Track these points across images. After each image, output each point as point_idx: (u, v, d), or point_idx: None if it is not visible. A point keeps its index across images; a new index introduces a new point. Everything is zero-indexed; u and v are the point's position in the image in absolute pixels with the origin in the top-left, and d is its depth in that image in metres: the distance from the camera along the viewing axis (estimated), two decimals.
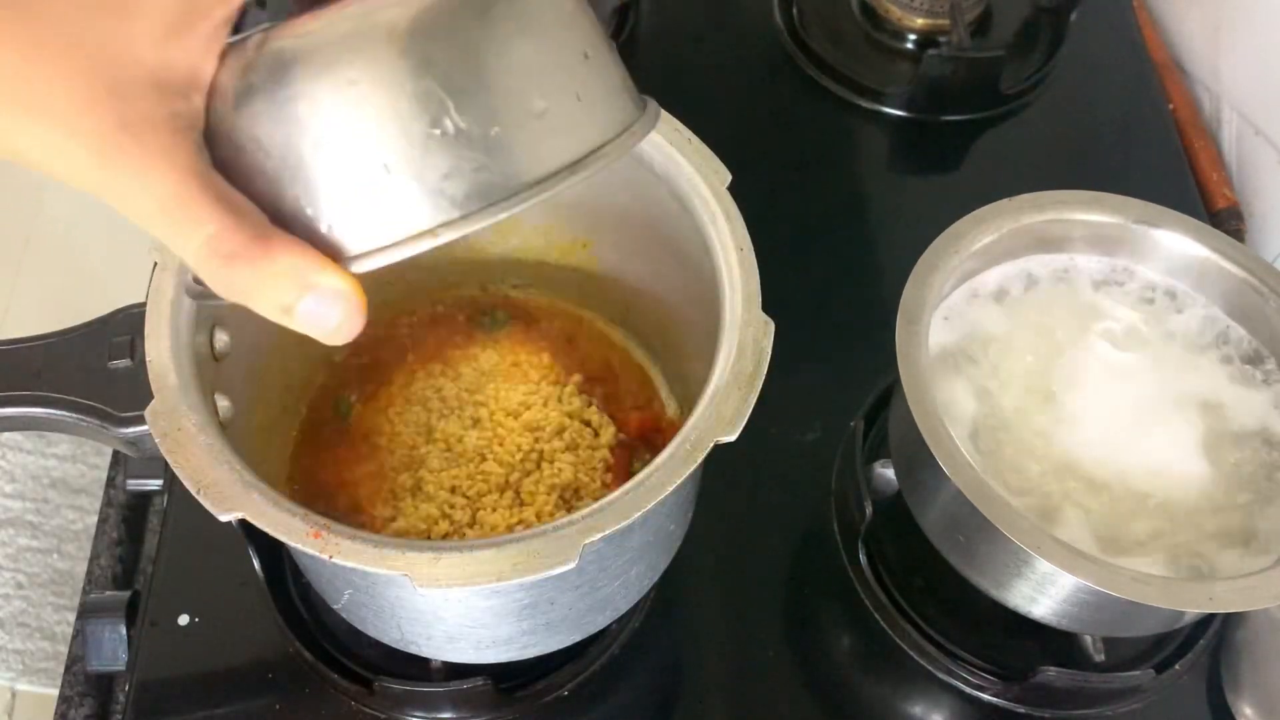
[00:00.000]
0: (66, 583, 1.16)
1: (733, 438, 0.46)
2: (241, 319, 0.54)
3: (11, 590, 1.24)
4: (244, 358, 0.54)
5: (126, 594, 0.63)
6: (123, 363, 0.50)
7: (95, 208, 0.37)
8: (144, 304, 0.49)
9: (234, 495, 0.44)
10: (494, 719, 0.61)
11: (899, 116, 0.88)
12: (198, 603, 0.63)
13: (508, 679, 0.60)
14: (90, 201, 0.37)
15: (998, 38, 0.93)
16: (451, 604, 0.50)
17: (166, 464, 0.45)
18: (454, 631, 0.52)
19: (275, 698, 0.61)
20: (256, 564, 0.61)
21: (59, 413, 0.49)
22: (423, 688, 0.58)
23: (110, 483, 0.75)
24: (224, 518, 0.44)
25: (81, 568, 0.74)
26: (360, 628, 0.56)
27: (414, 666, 0.59)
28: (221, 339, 0.52)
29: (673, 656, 0.64)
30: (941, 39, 0.91)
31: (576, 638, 0.56)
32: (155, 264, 0.50)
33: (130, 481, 0.66)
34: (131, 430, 0.49)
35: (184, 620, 0.63)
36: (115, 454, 0.79)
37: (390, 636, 0.54)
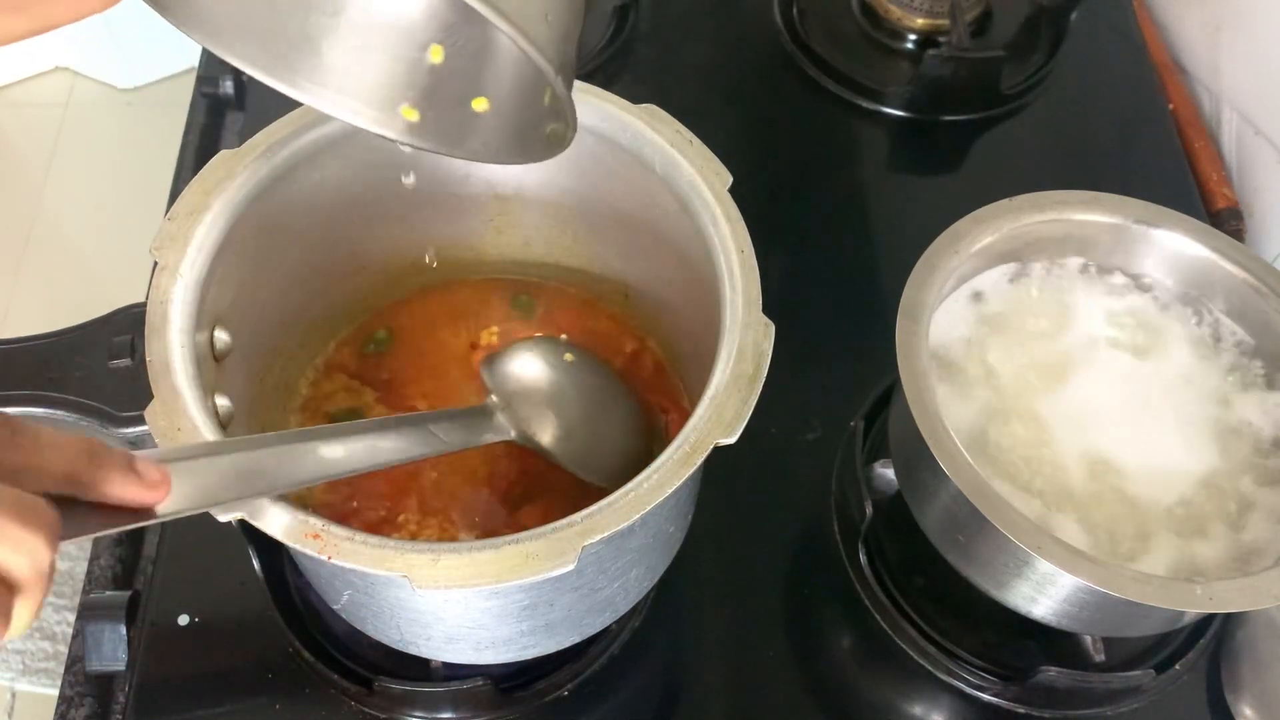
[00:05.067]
0: (66, 583, 1.16)
1: (732, 440, 0.46)
2: (242, 319, 0.54)
3: None
4: (244, 358, 0.54)
5: (126, 594, 0.63)
6: (123, 362, 0.50)
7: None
8: (144, 304, 0.49)
9: None
10: (494, 719, 0.61)
11: (899, 116, 0.88)
12: (198, 603, 0.63)
13: (507, 679, 0.60)
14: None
15: (998, 38, 0.93)
16: (451, 605, 0.50)
17: None
18: (453, 632, 0.52)
19: (275, 698, 0.61)
20: (256, 564, 0.61)
21: (59, 412, 0.49)
22: (422, 688, 0.58)
23: None
24: (223, 518, 0.44)
25: (81, 568, 0.74)
26: (360, 628, 0.56)
27: (414, 666, 0.59)
28: (222, 339, 0.52)
29: (673, 656, 0.64)
30: (941, 39, 0.91)
31: (576, 639, 0.56)
32: (155, 264, 0.50)
33: None
34: (131, 430, 0.49)
35: (184, 620, 0.63)
36: None
37: (390, 637, 0.54)
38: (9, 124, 1.68)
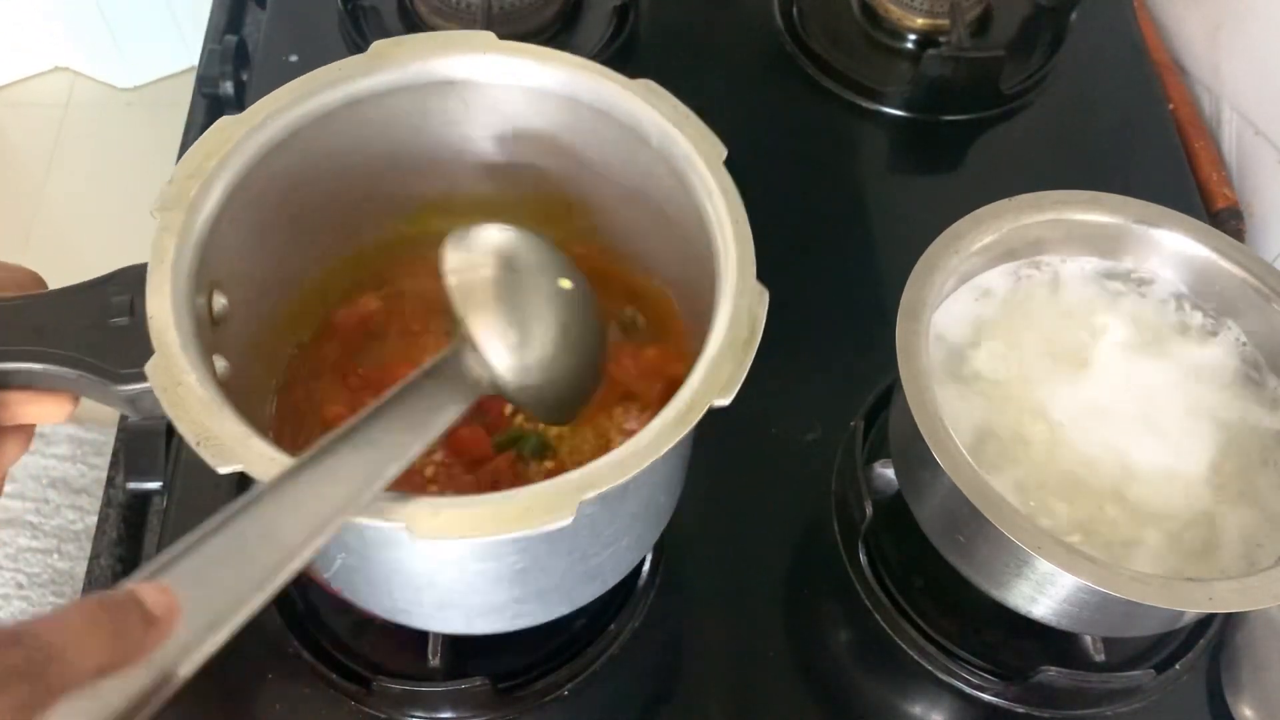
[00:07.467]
0: (66, 583, 1.16)
1: (727, 402, 0.46)
2: (239, 284, 0.54)
3: (11, 590, 1.24)
4: (241, 322, 0.54)
5: None
6: (122, 320, 0.50)
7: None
8: (143, 264, 0.49)
9: (234, 448, 0.44)
10: (493, 719, 0.61)
11: (899, 116, 0.88)
12: None
13: (507, 679, 0.60)
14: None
15: (998, 38, 0.93)
16: (446, 566, 0.49)
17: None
18: (445, 598, 0.52)
19: (275, 698, 0.61)
20: None
21: (58, 369, 0.49)
22: (422, 687, 0.58)
23: (110, 483, 0.75)
24: (223, 470, 0.43)
25: (81, 568, 0.74)
26: (351, 597, 0.55)
27: (413, 666, 0.59)
28: (220, 302, 0.52)
29: (672, 656, 0.64)
30: (941, 39, 0.91)
31: (566, 609, 0.56)
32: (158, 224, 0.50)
33: (130, 481, 0.66)
34: (130, 388, 0.49)
35: None
36: (115, 454, 0.78)
37: (381, 604, 0.54)
38: (9, 124, 1.68)
